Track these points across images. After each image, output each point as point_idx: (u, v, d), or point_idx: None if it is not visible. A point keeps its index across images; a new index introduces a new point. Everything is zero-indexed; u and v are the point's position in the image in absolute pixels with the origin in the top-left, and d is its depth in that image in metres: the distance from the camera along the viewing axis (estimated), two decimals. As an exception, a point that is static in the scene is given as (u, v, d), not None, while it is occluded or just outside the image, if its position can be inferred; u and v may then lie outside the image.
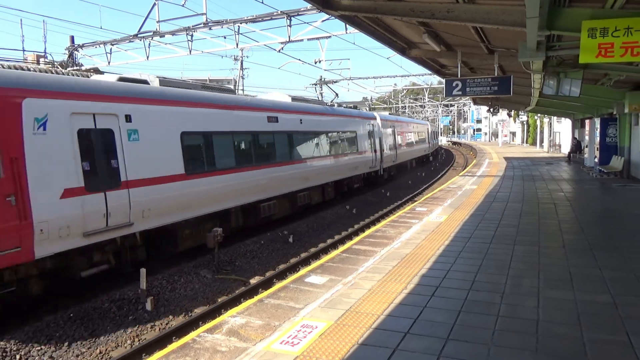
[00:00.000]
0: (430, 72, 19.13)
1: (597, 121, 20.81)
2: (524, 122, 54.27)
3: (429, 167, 35.66)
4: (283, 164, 13.55)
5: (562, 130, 37.09)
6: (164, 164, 9.40)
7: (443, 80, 15.85)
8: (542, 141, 44.06)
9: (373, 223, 14.61)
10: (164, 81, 10.55)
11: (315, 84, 36.37)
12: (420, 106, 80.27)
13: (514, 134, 66.37)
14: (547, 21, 7.51)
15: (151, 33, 18.97)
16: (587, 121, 24.97)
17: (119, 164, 8.53)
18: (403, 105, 69.39)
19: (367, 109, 26.50)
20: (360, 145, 20.05)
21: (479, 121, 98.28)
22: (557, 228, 9.77)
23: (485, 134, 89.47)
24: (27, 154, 7.14)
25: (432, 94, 77.07)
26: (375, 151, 21.85)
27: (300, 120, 14.96)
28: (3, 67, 9.26)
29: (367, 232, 10.31)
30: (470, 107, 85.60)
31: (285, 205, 14.13)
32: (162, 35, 19.04)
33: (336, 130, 17.82)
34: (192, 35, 18.45)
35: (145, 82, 10.20)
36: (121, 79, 9.60)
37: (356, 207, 17.59)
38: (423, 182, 25.24)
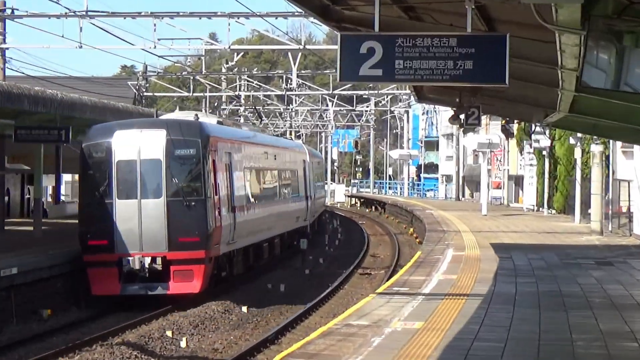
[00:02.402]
0: (303, 12, 16.80)
1: None
2: (544, 154, 44.27)
3: (309, 264, 29.42)
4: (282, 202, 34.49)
5: (638, 176, 31.77)
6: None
7: (337, 36, 12.11)
8: (587, 205, 35.71)
9: None
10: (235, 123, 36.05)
11: None
12: (282, 100, 52.55)
13: (518, 181, 53.67)
14: None
15: None
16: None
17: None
18: (234, 94, 43.88)
19: (135, 101, 25.36)
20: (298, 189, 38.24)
21: (429, 143, 77.24)
22: None
23: (449, 177, 73.40)
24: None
25: (314, 69, 54.99)
26: (307, 198, 38.02)
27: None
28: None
29: None
30: (411, 105, 63.22)
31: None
32: None
33: (287, 166, 36.54)
34: None
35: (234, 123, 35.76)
36: (218, 122, 28.86)
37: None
38: (288, 308, 20.13)
